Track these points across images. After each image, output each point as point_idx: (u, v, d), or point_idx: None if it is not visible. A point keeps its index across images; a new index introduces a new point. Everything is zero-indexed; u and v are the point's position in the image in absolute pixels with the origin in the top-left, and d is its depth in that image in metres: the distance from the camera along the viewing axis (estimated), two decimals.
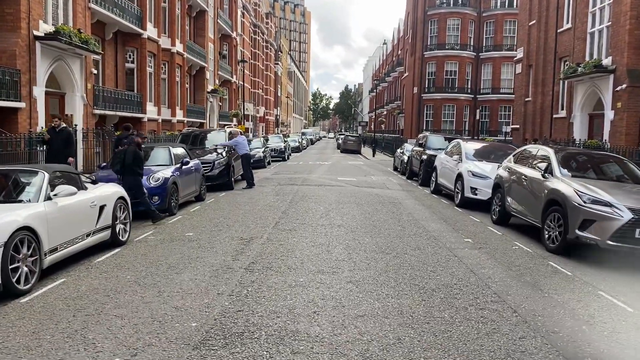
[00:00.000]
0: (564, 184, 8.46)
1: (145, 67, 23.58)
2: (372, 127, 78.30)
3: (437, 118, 43.24)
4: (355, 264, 6.89)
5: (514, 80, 29.79)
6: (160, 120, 25.57)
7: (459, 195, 13.45)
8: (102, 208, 7.44)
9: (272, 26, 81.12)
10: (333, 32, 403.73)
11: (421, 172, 18.96)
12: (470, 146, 15.02)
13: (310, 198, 13.90)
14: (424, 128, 43.41)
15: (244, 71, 38.11)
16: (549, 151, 9.70)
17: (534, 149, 10.68)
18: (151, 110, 24.55)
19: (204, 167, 15.30)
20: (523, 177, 9.90)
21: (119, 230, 7.97)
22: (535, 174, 9.45)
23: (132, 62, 23.30)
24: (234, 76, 44.14)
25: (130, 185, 9.82)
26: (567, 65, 21.72)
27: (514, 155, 11.33)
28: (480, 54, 43.26)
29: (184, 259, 7.02)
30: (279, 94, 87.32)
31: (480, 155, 14.51)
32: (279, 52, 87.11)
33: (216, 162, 15.72)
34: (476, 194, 12.90)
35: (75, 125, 15.80)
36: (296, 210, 11.57)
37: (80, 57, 17.25)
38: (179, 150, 12.79)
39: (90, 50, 16.81)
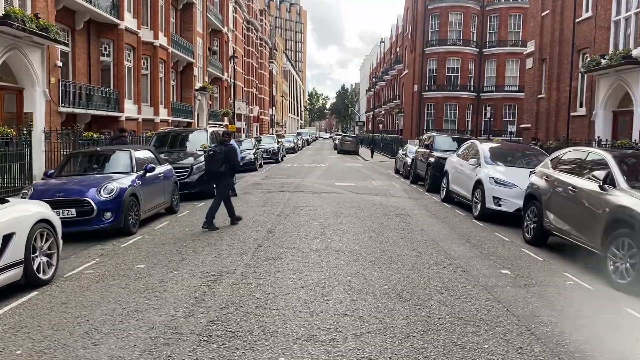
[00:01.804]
0: (635, 199, 6.38)
1: (123, 61, 21.40)
2: (370, 127, 76.37)
3: (439, 117, 41.20)
4: (362, 321, 4.77)
5: (525, 76, 27.77)
6: (140, 120, 23.40)
7: (479, 206, 11.38)
8: (7, 238, 5.33)
9: (267, 24, 78.95)
10: (327, 33, 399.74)
11: (428, 177, 16.91)
12: (489, 147, 12.96)
13: (302, 209, 11.80)
14: (425, 128, 41.38)
15: (234, 67, 35.92)
16: (605, 155, 7.61)
17: (581, 152, 8.59)
18: (130, 109, 22.39)
19: (180, 172, 13.30)
20: (570, 188, 7.81)
21: (38, 266, 5.85)
22: (589, 185, 7.37)
23: (108, 55, 21.12)
24: (225, 74, 41.99)
25: (229, 185, 9.91)
26: (586, 57, 19.72)
27: (551, 160, 9.24)
28: (483, 50, 41.25)
29: (116, 314, 4.90)
30: (274, 94, 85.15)
31: (500, 158, 12.45)
32: (274, 51, 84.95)
33: (195, 167, 13.63)
34: (500, 205, 10.84)
35: (30, 124, 13.65)
36: (284, 228, 9.46)
37: (40, 47, 15.10)
38: (144, 154, 10.65)
39: (51, 38, 14.65)
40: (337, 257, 7.24)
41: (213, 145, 14.77)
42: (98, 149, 11.10)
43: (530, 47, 25.53)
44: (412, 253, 7.65)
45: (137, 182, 9.40)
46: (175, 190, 11.55)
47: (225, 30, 42.03)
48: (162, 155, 14.29)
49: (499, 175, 11.18)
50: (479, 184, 11.56)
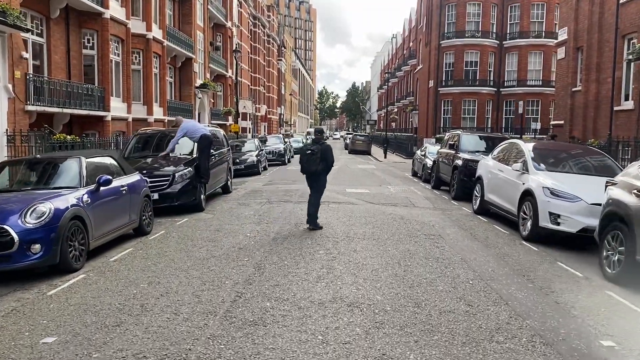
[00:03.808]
0: None
1: (108, 55, 19.19)
2: (382, 125, 73.89)
3: (456, 114, 38.58)
4: None
5: (556, 67, 25.11)
6: (130, 120, 21.18)
7: (528, 224, 8.97)
8: None
9: (274, 20, 76.67)
10: (334, 32, 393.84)
11: (455, 183, 14.51)
12: (535, 148, 10.51)
13: (306, 229, 9.44)
14: (442, 125, 38.88)
15: (237, 62, 33.61)
16: None
17: None
18: (118, 107, 20.19)
19: (160, 181, 11.04)
20: None
21: None
22: None
23: (92, 47, 18.92)
24: (230, 70, 39.74)
25: (322, 186, 9.64)
26: (634, 43, 17.16)
27: None
28: (504, 42, 38.54)
29: None
30: (283, 92, 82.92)
31: (552, 162, 10.04)
32: (283, 48, 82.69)
33: (177, 175, 11.32)
34: (558, 224, 8.41)
35: None
36: (279, 260, 7.10)
37: (0, 35, 12.92)
38: (102, 162, 8.36)
39: (11, 24, 12.45)
40: (350, 318, 4.87)
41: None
42: (38, 156, 8.82)
43: (562, 35, 22.94)
44: (460, 306, 5.26)
45: (86, 199, 7.11)
46: (147, 206, 9.26)
47: (229, 24, 39.79)
48: (147, 160, 12.15)
49: (555, 184, 8.74)
50: (528, 195, 9.15)
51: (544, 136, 31.26)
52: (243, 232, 9.11)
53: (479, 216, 11.36)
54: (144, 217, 9.04)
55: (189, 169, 11.62)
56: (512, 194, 9.86)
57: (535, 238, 8.78)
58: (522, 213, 9.31)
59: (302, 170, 9.61)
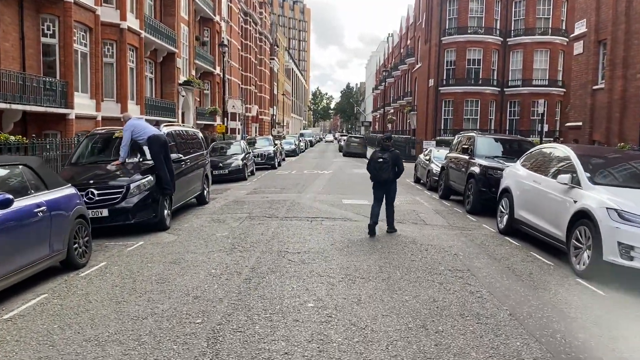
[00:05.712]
0: None
1: (71, 44, 16.84)
2: (377, 127, 71.93)
3: (458, 115, 36.43)
4: None
5: (573, 64, 22.87)
6: (100, 118, 18.87)
7: (584, 256, 6.80)
8: None
9: (267, 17, 74.35)
10: (326, 33, 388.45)
11: (471, 193, 12.36)
12: (583, 155, 8.31)
13: (292, 261, 7.17)
14: (442, 127, 36.79)
15: (223, 58, 31.26)
16: None
17: None
18: (84, 104, 17.87)
19: (111, 194, 8.82)
20: None
21: None
22: None
23: (52, 35, 16.58)
24: (218, 68, 37.40)
25: (394, 192, 9.60)
26: None
27: None
28: (508, 39, 36.43)
29: None
30: (276, 92, 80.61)
31: (608, 173, 7.85)
32: (275, 47, 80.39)
33: (133, 186, 9.05)
34: (632, 258, 6.23)
35: None
36: (247, 322, 4.83)
37: None
38: (7, 172, 6.06)
39: None
40: None
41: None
42: None
43: (580, 27, 20.84)
44: None
45: None
46: (81, 230, 6.97)
47: (217, 19, 37.46)
48: (108, 167, 9.81)
49: (623, 204, 6.54)
50: (583, 217, 6.95)
51: (551, 139, 29.28)
52: (207, 266, 6.83)
53: (508, 238, 9.17)
54: (76, 246, 6.77)
55: (149, 177, 9.34)
56: (558, 213, 7.67)
57: (595, 276, 6.59)
58: (574, 240, 7.11)
59: (373, 179, 9.47)
